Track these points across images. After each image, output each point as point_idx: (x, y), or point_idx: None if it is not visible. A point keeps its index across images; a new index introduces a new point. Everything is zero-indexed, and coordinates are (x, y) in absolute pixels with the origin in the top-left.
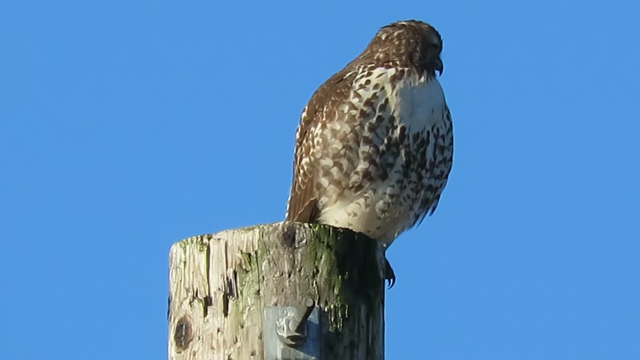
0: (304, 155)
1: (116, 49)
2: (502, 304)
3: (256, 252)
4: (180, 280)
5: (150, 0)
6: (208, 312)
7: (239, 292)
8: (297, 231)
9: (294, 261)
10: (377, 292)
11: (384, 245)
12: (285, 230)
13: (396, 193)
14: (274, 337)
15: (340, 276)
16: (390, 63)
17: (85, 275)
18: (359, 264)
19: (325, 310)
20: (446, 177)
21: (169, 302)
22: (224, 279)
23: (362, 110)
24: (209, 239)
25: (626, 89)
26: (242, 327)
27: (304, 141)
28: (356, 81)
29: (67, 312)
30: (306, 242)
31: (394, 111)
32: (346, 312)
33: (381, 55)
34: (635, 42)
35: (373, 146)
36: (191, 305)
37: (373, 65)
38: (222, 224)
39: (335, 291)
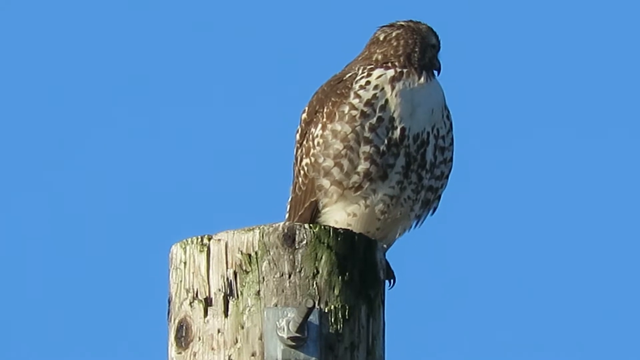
0: (304, 156)
1: (117, 48)
2: (502, 304)
3: (256, 253)
4: (181, 281)
5: (151, 0)
6: (208, 312)
7: (239, 292)
8: (297, 232)
9: (294, 262)
10: (377, 292)
11: (385, 246)
12: (286, 231)
13: (396, 194)
14: (274, 338)
15: (340, 277)
16: (389, 64)
17: (85, 276)
18: (359, 265)
19: (326, 311)
20: (447, 177)
21: (169, 302)
22: (224, 279)
23: (362, 110)
24: (209, 239)
25: (626, 88)
26: (243, 327)
27: (304, 142)
28: (356, 82)
29: (68, 312)
30: (306, 242)
31: (393, 112)
32: (346, 313)
33: (379, 57)
34: (635, 42)
35: (374, 146)
36: (191, 306)
37: (372, 66)
38: (223, 224)
39: (336, 292)
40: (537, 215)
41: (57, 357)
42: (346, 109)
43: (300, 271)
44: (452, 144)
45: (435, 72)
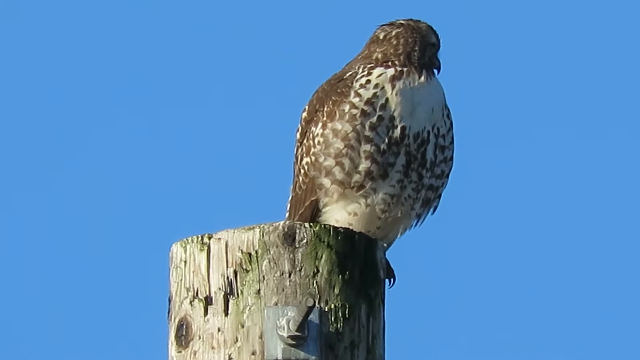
0: (304, 155)
1: (117, 48)
2: (502, 303)
3: (257, 252)
4: (181, 280)
5: (151, 0)
6: (208, 311)
7: (239, 291)
8: (297, 231)
9: (295, 261)
10: (377, 291)
11: (385, 245)
12: (286, 229)
13: (397, 193)
14: (274, 337)
15: (340, 276)
16: (389, 63)
17: (85, 275)
18: (359, 264)
19: (326, 309)
20: (447, 176)
21: (170, 301)
22: (224, 278)
23: (362, 109)
24: (209, 238)
25: (626, 88)
26: (243, 326)
27: (305, 141)
28: (356, 81)
29: (68, 312)
30: (307, 241)
31: (394, 111)
32: (347, 312)
33: (379, 55)
34: (635, 42)
35: (374, 145)
36: (192, 305)
37: (372, 65)
38: (223, 223)
39: (336, 291)
40: (537, 215)
41: (57, 357)
42: (347, 107)
43: (300, 270)
44: (452, 142)
45: (435, 71)
